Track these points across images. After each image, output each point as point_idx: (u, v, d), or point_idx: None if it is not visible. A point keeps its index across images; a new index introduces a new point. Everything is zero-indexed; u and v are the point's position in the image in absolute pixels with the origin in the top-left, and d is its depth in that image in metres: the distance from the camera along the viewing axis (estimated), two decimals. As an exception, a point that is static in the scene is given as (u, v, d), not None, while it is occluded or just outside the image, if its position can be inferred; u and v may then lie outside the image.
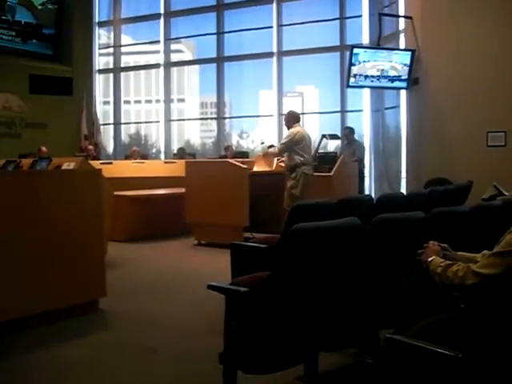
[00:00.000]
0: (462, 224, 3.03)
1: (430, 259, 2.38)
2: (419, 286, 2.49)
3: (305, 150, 6.90)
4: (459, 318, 2.17)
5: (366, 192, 10.00)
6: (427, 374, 1.94)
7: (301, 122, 7.42)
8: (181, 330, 3.93)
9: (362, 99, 10.71)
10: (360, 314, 2.75)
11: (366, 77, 8.69)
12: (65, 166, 5.58)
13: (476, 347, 1.94)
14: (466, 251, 2.60)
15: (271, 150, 7.24)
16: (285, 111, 11.81)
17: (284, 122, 7.29)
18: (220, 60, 12.56)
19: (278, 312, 2.42)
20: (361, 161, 9.26)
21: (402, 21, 9.21)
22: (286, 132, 7.34)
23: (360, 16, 10.73)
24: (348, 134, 9.63)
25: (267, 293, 2.40)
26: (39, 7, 12.77)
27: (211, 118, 13.50)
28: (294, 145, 6.86)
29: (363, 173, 9.48)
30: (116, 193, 7.26)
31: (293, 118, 7.12)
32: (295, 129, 6.97)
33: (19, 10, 12.48)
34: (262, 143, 7.17)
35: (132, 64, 14.41)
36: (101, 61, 14.25)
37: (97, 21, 13.97)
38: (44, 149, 9.51)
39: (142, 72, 14.45)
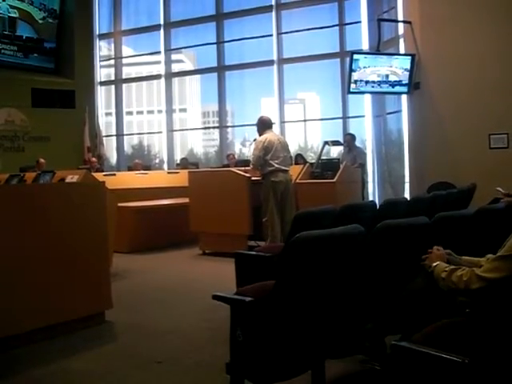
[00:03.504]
0: (465, 228, 3.02)
1: (434, 264, 2.38)
2: (424, 292, 2.49)
3: (275, 157, 6.67)
4: (465, 322, 2.16)
5: (370, 197, 10.00)
6: (435, 380, 1.93)
7: (277, 127, 7.03)
8: (187, 340, 3.93)
9: (364, 105, 10.72)
10: (365, 321, 2.74)
11: (367, 82, 8.71)
12: (68, 179, 5.61)
13: (483, 352, 1.93)
14: (470, 255, 2.59)
15: (250, 169, 6.98)
16: (287, 118, 11.91)
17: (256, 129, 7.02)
18: (221, 69, 12.61)
19: (284, 320, 2.42)
20: (362, 167, 9.26)
21: (401, 26, 9.24)
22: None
23: (359, 22, 10.77)
24: (350, 140, 9.63)
25: (272, 302, 2.40)
26: (40, 21, 12.86)
27: (213, 127, 13.54)
28: (263, 154, 6.66)
29: (364, 179, 9.49)
30: (120, 204, 7.26)
31: (262, 125, 6.89)
32: (262, 137, 6.76)
33: (20, 24, 12.56)
34: (255, 140, 7.07)
35: (133, 75, 14.48)
36: (102, 73, 14.33)
37: (97, 33, 14.07)
38: (42, 160, 9.57)
39: (144, 83, 14.53)
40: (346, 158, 9.23)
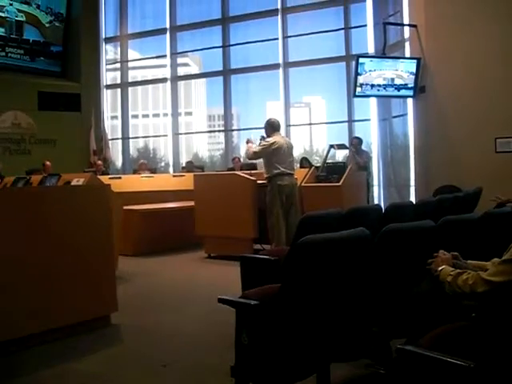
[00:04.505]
0: (471, 232, 3.02)
1: (440, 268, 2.38)
2: (430, 296, 2.48)
3: (282, 161, 6.69)
4: (471, 326, 2.16)
5: (375, 201, 9.98)
6: (440, 384, 1.93)
7: (282, 131, 7.10)
8: (192, 343, 3.93)
9: (369, 108, 10.71)
10: (370, 324, 2.74)
11: (373, 86, 8.70)
12: (74, 182, 5.62)
13: (489, 356, 1.93)
14: (476, 259, 2.59)
15: (252, 147, 6.95)
16: (293, 122, 11.91)
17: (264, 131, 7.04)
18: (226, 73, 12.62)
19: (289, 324, 2.42)
20: (367, 170, 9.25)
21: (406, 29, 9.23)
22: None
23: (365, 25, 10.76)
24: (357, 143, 9.62)
25: (277, 305, 2.40)
26: (47, 25, 12.92)
27: (219, 131, 13.55)
28: (270, 155, 6.69)
29: (369, 182, 9.48)
30: (125, 207, 7.29)
31: (270, 127, 6.90)
32: (272, 138, 6.76)
33: (27, 28, 12.63)
34: (262, 137, 7.06)
35: (139, 79, 14.50)
36: (108, 76, 14.36)
37: (104, 37, 14.10)
38: (48, 163, 9.64)
39: (150, 86, 14.55)
40: (352, 160, 9.20)
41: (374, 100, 10.33)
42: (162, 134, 14.05)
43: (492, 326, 2.09)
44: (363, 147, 9.90)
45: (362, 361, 3.12)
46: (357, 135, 10.28)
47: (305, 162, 9.89)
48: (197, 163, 12.05)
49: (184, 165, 12.10)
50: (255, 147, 6.88)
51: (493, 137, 7.97)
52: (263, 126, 7.07)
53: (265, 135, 6.95)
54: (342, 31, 11.20)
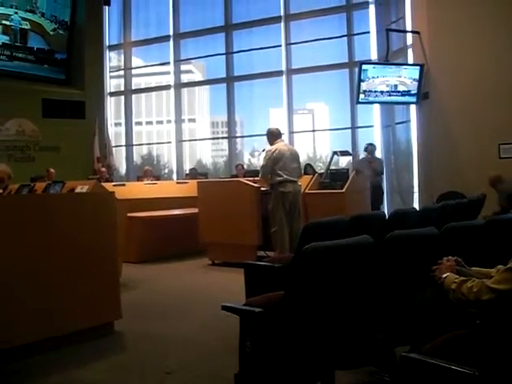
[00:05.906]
0: (475, 238, 3.01)
1: (444, 276, 2.37)
2: (434, 303, 2.48)
3: (285, 168, 6.72)
4: (475, 334, 2.15)
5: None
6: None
7: (285, 138, 7.12)
8: (196, 350, 3.92)
9: (373, 115, 10.72)
10: (374, 332, 2.73)
11: (376, 92, 8.72)
12: (78, 189, 5.63)
13: (494, 364, 1.92)
14: (480, 266, 2.58)
15: (259, 179, 7.04)
16: (296, 129, 11.93)
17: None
18: (230, 80, 12.66)
19: (293, 331, 2.42)
20: (380, 175, 9.27)
21: (409, 36, 9.26)
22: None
23: (368, 32, 10.80)
24: (371, 150, 9.61)
25: (281, 313, 2.40)
26: (51, 33, 12.98)
27: (222, 138, 13.57)
28: (273, 164, 6.73)
29: (382, 187, 9.48)
30: (129, 214, 7.29)
31: (272, 135, 6.98)
32: (273, 147, 6.83)
33: (32, 36, 12.69)
34: (264, 150, 7.10)
35: (143, 86, 14.57)
36: (112, 83, 14.42)
37: (107, 44, 14.18)
38: (52, 170, 9.67)
39: (153, 93, 14.60)
40: (366, 168, 9.08)
41: (377, 106, 10.35)
42: (165, 140, 14.08)
43: (496, 333, 2.08)
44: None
45: (367, 368, 3.12)
46: (370, 142, 10.22)
47: (309, 168, 9.89)
48: (200, 170, 12.07)
49: (188, 172, 12.12)
50: (261, 162, 6.92)
51: (496, 143, 7.98)
52: (265, 133, 7.11)
53: (266, 147, 7.00)
54: (345, 38, 11.24)
